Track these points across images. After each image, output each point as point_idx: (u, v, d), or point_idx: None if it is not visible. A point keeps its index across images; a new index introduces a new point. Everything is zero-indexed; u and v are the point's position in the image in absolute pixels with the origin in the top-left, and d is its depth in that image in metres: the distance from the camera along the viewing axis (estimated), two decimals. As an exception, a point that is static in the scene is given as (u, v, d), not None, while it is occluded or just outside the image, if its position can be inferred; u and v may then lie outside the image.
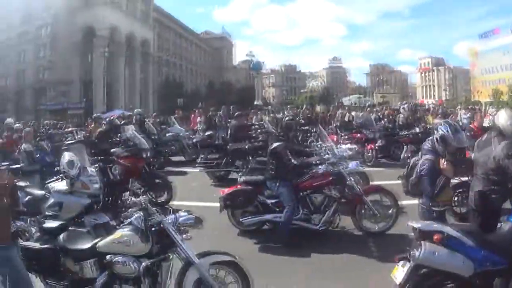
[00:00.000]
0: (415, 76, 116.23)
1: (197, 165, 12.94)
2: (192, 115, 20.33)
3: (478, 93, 67.29)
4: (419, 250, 3.83)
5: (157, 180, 9.68)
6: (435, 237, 3.87)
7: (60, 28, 59.69)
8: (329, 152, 7.74)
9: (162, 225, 4.38)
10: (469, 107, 25.13)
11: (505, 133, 4.74)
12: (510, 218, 4.19)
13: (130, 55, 65.94)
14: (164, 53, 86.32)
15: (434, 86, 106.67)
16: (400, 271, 4.03)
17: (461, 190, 6.84)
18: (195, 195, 10.73)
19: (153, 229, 4.41)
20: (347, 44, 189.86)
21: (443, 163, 4.85)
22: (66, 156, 6.87)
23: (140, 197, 4.65)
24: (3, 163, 7.44)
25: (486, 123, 11.48)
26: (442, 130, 4.95)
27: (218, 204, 7.62)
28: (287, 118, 9.56)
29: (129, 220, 4.48)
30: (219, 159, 12.26)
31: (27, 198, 6.85)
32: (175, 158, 16.70)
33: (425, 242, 3.87)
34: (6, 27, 62.96)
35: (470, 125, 11.74)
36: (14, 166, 9.76)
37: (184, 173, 13.93)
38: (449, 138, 4.87)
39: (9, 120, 14.66)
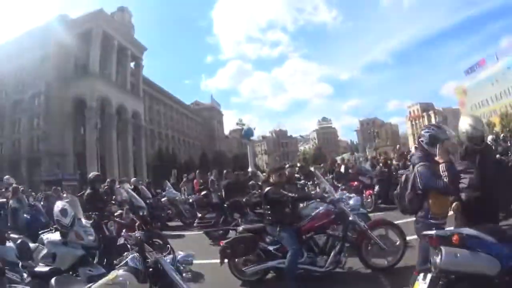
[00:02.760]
0: (406, 126, 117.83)
1: (194, 225, 12.69)
2: (195, 180, 20.11)
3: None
4: (439, 255, 3.64)
5: (154, 240, 9.35)
6: (454, 238, 3.72)
7: (53, 98, 62.27)
8: (328, 192, 7.55)
9: (160, 265, 4.11)
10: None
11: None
12: None
13: (122, 127, 67.66)
14: (155, 126, 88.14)
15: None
16: (421, 285, 3.82)
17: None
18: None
19: (150, 269, 4.15)
20: (334, 103, 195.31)
21: (438, 152, 4.65)
22: (59, 205, 6.74)
23: (136, 232, 4.41)
24: None
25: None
26: (427, 132, 4.87)
27: (217, 260, 7.27)
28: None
29: (124, 261, 4.21)
30: (217, 218, 11.99)
31: (18, 243, 6.56)
32: (172, 224, 16.34)
33: (444, 247, 3.69)
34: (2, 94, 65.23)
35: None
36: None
37: (182, 236, 13.57)
38: (438, 133, 4.77)
39: (6, 177, 14.26)
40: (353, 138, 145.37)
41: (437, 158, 4.62)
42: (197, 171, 19.73)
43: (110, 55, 68.30)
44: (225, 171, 14.44)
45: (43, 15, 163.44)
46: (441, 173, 4.51)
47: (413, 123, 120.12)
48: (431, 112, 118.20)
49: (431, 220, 4.64)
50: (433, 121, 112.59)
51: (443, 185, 4.48)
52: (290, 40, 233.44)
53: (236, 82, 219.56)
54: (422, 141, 4.91)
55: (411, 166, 5.00)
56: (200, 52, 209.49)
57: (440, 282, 3.73)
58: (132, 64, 78.61)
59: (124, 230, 6.25)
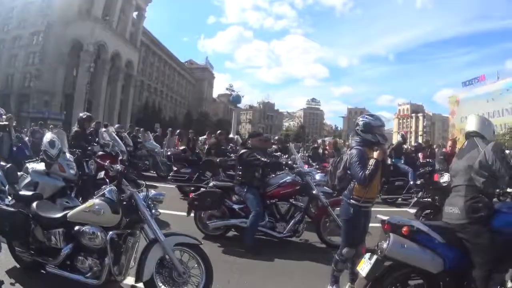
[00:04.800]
0: (393, 122, 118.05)
1: (168, 177, 12.99)
2: (176, 138, 20.14)
3: (456, 139, 66.54)
4: (387, 241, 3.79)
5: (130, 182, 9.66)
6: (404, 229, 3.84)
7: (51, 37, 61.60)
8: (297, 164, 8.04)
9: (133, 199, 4.53)
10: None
11: (485, 135, 4.31)
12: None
13: (114, 75, 67.08)
14: (146, 78, 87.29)
15: (411, 132, 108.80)
16: (366, 263, 3.96)
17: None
18: (163, 204, 10.64)
19: (124, 203, 4.55)
20: (327, 86, 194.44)
21: (375, 149, 4.90)
22: (48, 136, 7.16)
23: (118, 165, 4.82)
24: None
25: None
26: (362, 121, 5.08)
27: (185, 213, 7.82)
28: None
29: (102, 191, 4.62)
30: (191, 174, 12.26)
31: (7, 167, 6.82)
32: (147, 174, 16.50)
33: (393, 234, 3.85)
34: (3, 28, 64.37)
35: (443, 150, 12.06)
36: None
37: (155, 187, 13.85)
38: (372, 121, 5.01)
39: None
40: (338, 124, 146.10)
41: (374, 154, 4.86)
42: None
43: (115, 2, 67.58)
44: (218, 131, 14.44)
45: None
46: (368, 166, 4.76)
47: (400, 121, 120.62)
48: (420, 114, 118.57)
49: (352, 201, 4.91)
50: (420, 123, 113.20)
51: (361, 176, 4.74)
52: (296, 16, 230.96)
53: (234, 47, 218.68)
54: (357, 129, 5.11)
55: (346, 151, 5.24)
56: (203, 11, 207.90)
57: (383, 265, 3.92)
58: (134, 14, 77.75)
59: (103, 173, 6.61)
